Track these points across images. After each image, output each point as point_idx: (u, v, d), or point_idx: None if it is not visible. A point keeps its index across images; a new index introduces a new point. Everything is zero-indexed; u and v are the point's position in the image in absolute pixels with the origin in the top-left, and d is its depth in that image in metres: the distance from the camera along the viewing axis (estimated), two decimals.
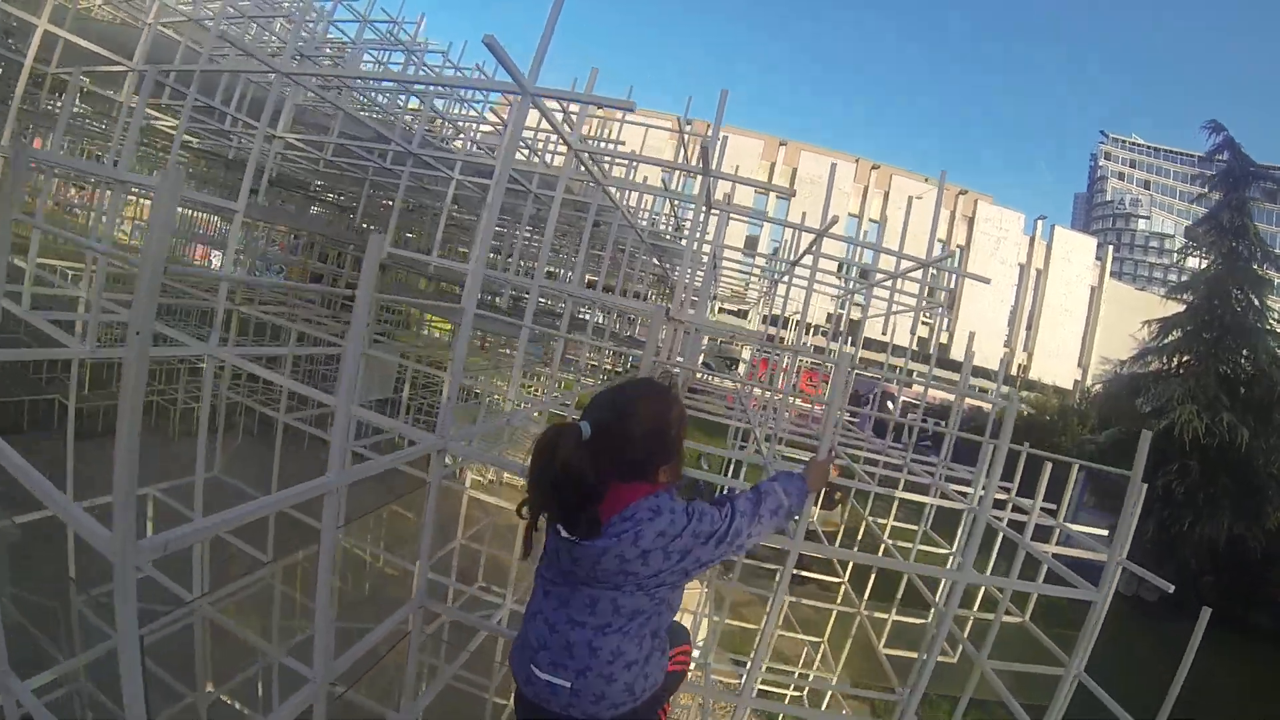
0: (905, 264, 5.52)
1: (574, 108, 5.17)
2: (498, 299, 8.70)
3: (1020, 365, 43.51)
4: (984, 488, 4.48)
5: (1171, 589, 3.15)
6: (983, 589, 5.58)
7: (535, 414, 5.89)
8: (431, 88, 7.07)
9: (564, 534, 2.09)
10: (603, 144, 7.56)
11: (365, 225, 10.84)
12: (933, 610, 5.59)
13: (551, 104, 4.05)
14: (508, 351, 10.70)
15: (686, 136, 5.29)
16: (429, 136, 6.85)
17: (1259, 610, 15.84)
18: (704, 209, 4.55)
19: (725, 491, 2.70)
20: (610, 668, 2.07)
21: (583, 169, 4.75)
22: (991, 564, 5.59)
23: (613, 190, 5.66)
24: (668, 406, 2.23)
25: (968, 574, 3.27)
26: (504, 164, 3.21)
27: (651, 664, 2.14)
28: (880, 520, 6.82)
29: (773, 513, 2.30)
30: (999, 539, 5.17)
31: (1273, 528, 15.74)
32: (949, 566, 5.85)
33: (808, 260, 6.20)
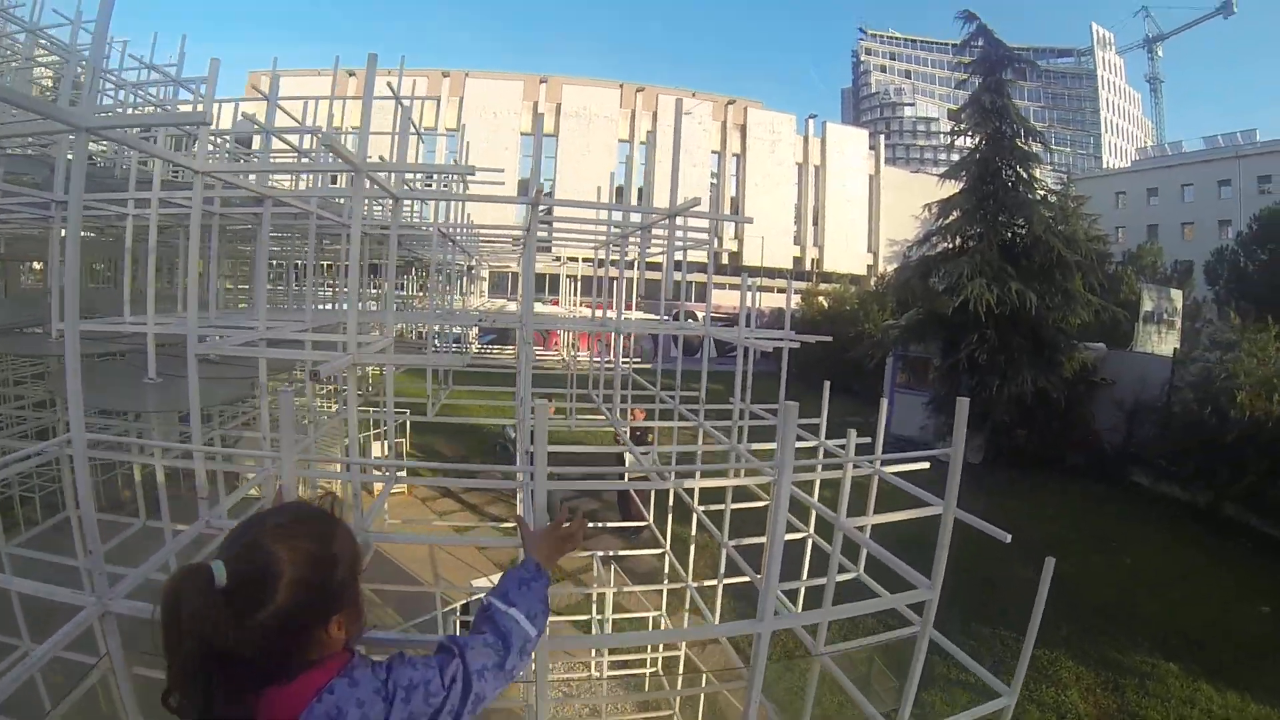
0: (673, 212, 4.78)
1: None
2: None
3: (813, 260, 44.96)
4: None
5: (1008, 538, 2.57)
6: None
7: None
8: None
9: None
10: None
11: None
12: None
13: None
14: None
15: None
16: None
17: (1073, 451, 17.42)
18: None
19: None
20: None
21: None
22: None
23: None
24: (327, 546, 1.48)
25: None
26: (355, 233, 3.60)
27: None
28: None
29: (521, 653, 1.67)
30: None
31: (1069, 376, 17.09)
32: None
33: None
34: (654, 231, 5.40)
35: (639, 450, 9.74)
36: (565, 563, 9.24)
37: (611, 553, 8.27)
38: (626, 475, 7.22)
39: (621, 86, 42.96)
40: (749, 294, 4.83)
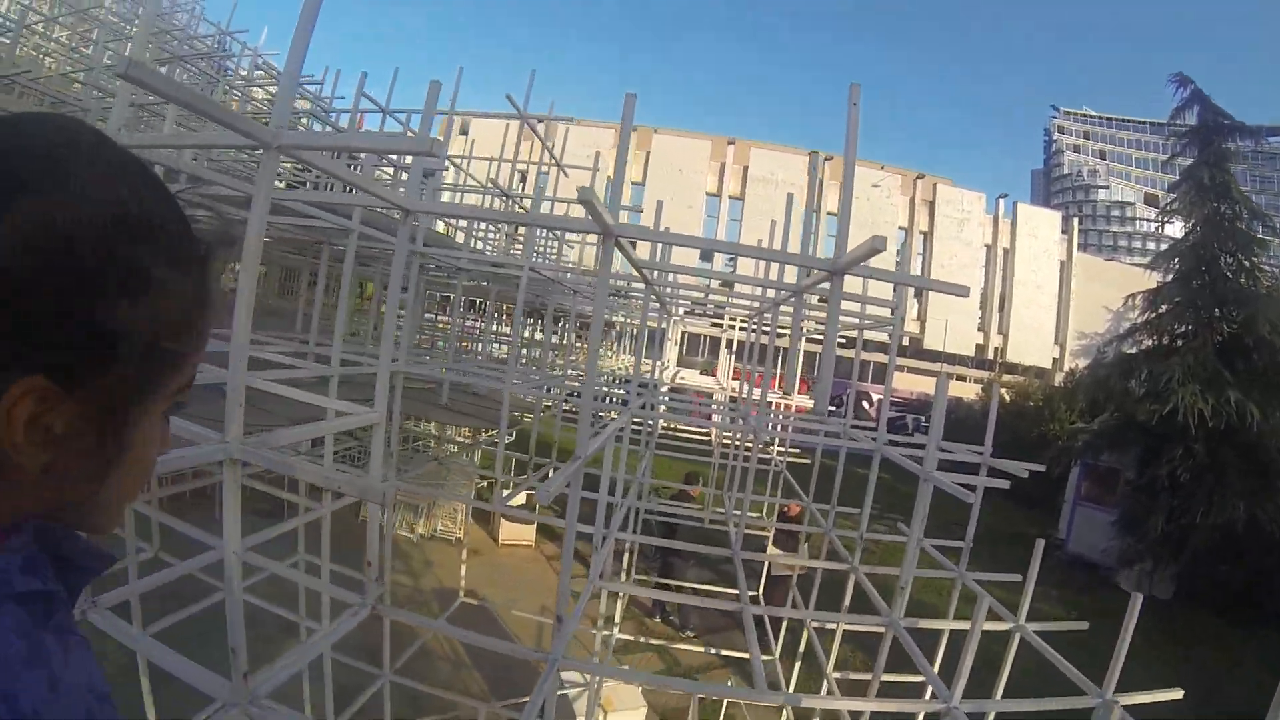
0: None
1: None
2: None
3: (995, 348, 42.61)
4: None
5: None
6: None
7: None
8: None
9: None
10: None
11: None
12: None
13: None
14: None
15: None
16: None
17: None
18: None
19: None
20: None
21: None
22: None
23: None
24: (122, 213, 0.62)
25: None
26: (600, 298, 2.86)
27: None
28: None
29: None
30: None
31: None
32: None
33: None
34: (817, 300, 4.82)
35: (780, 551, 9.12)
36: (684, 657, 8.68)
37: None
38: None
39: (810, 154, 42.53)
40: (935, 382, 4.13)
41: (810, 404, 9.25)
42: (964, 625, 3.90)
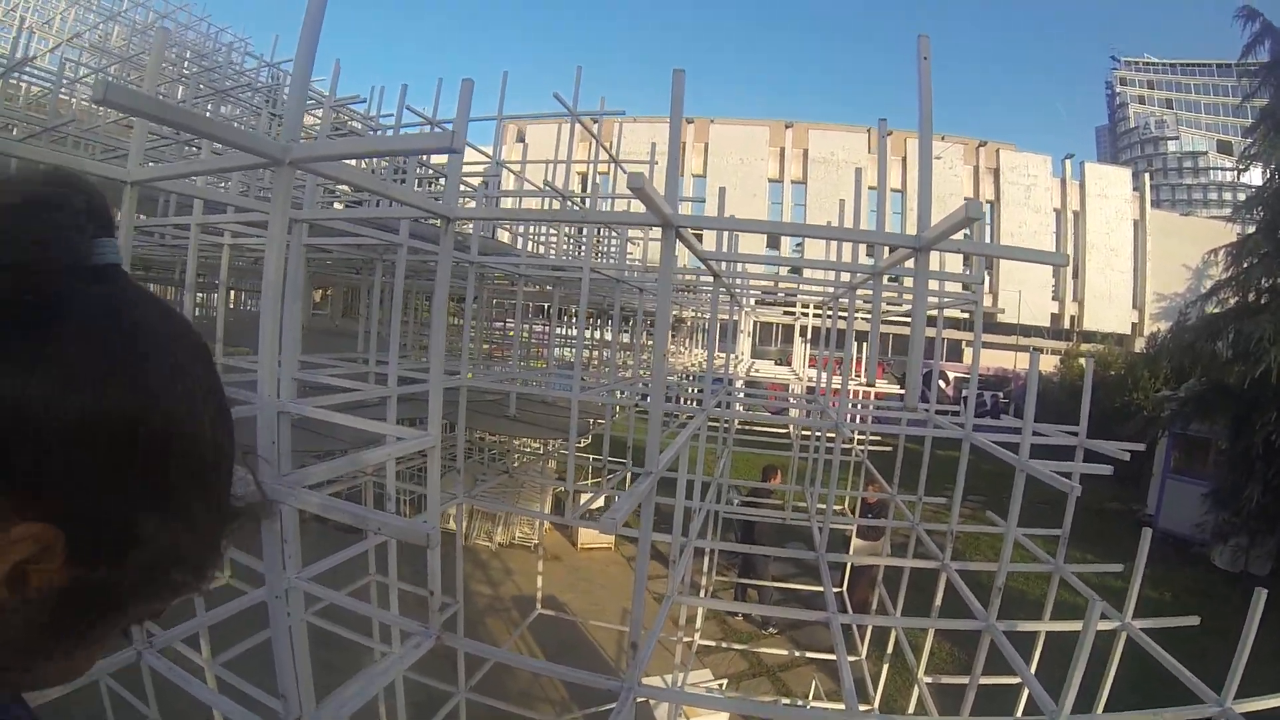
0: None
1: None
2: None
3: (1071, 317, 41.36)
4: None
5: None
6: None
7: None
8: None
9: None
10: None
11: None
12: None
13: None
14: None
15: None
16: None
17: None
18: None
19: None
20: None
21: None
22: None
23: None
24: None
25: None
26: (663, 294, 2.74)
27: None
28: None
29: None
30: None
31: None
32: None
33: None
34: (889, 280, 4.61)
35: (863, 542, 8.88)
36: (766, 658, 8.49)
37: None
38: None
39: (869, 132, 41.76)
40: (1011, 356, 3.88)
41: (893, 389, 8.99)
42: (1063, 626, 3.68)
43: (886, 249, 3.41)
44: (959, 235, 2.45)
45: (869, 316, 5.11)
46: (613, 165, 7.62)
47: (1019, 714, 3.60)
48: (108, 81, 1.42)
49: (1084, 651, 2.73)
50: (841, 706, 3.11)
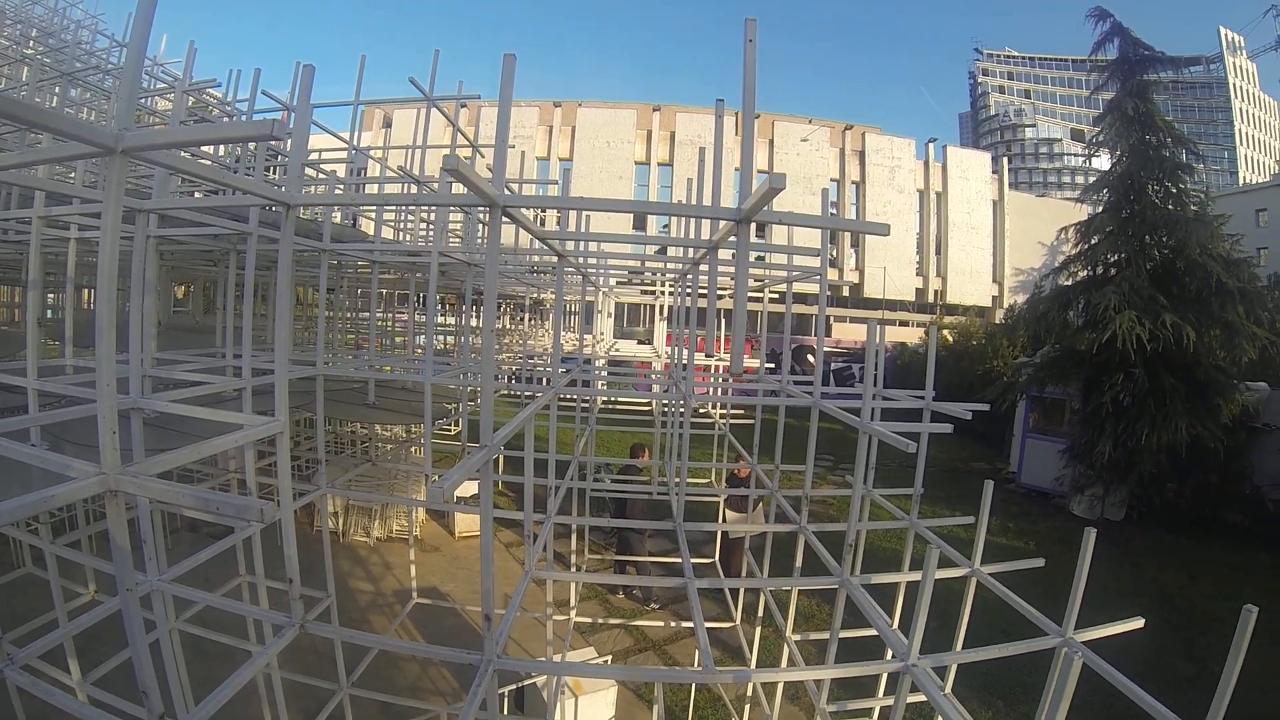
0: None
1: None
2: None
3: (935, 291, 43.17)
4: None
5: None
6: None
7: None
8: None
9: None
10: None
11: None
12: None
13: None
14: None
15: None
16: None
17: (1230, 507, 15.25)
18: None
19: None
20: None
21: None
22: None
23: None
24: None
25: None
26: (491, 272, 2.73)
27: None
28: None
29: None
30: None
31: (1228, 422, 14.72)
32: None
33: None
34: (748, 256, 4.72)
35: (735, 513, 9.11)
36: (651, 633, 8.65)
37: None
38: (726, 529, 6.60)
39: (737, 115, 42.24)
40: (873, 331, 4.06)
41: (753, 363, 9.22)
42: (916, 577, 3.86)
43: (721, 223, 3.50)
44: (807, 210, 2.54)
45: (721, 291, 5.24)
46: (473, 150, 7.57)
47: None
48: None
49: (925, 594, 2.89)
50: None
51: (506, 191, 2.62)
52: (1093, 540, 3.11)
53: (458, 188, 8.16)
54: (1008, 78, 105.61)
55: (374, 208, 7.79)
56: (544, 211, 8.50)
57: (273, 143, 6.33)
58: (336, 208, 8.06)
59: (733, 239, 2.70)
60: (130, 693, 3.43)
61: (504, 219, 2.54)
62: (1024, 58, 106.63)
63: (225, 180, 2.79)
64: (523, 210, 2.65)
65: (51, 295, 9.56)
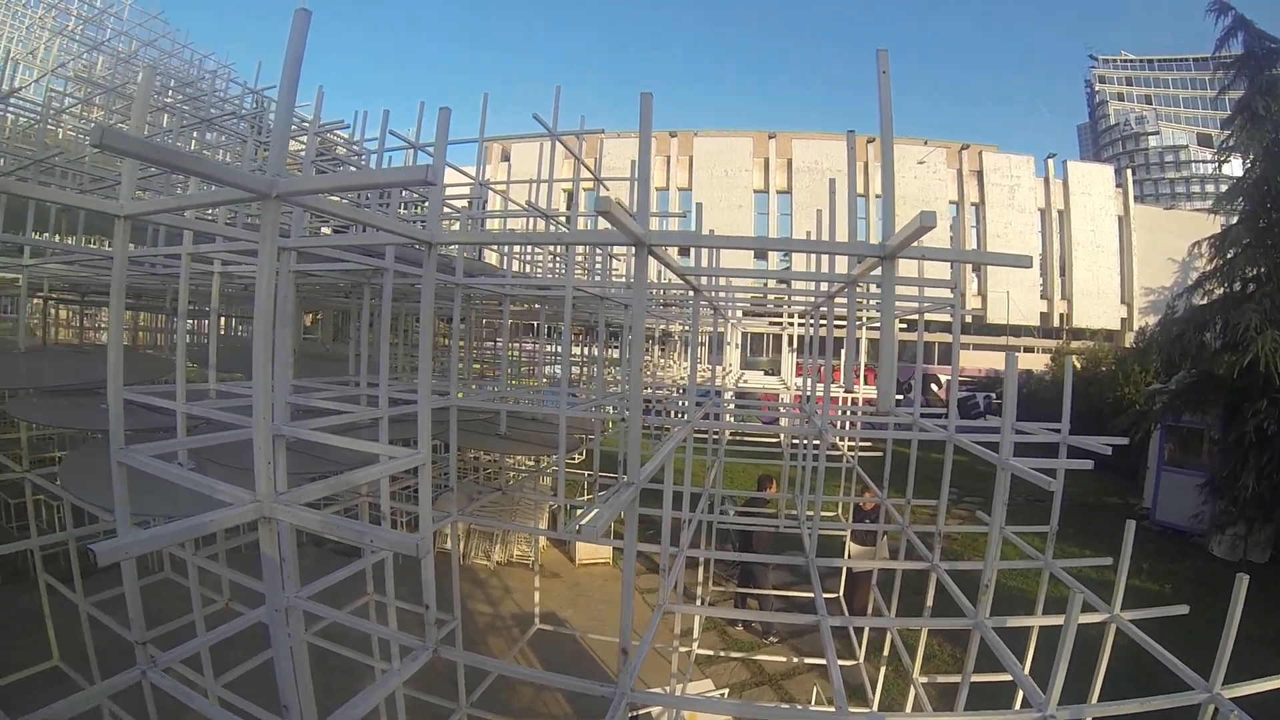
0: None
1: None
2: None
3: (1060, 315, 41.52)
4: None
5: None
6: None
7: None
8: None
9: None
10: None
11: None
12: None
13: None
14: None
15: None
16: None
17: None
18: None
19: None
20: None
21: None
22: None
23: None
24: None
25: None
26: (638, 310, 2.71)
27: None
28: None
29: None
30: None
31: None
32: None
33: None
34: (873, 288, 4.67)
35: (860, 547, 8.91)
36: (768, 667, 8.51)
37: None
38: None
39: (849, 135, 41.70)
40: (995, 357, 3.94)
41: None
42: (1056, 621, 3.72)
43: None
44: (929, 239, 2.50)
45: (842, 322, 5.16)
46: (595, 181, 7.70)
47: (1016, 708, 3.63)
48: (104, 127, 1.50)
49: (1067, 643, 2.77)
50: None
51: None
52: (1245, 588, 2.91)
53: (601, 223, 8.36)
54: (1126, 83, 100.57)
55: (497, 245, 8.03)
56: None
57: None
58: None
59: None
60: (253, 695, 3.60)
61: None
62: (1142, 61, 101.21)
63: (370, 220, 2.90)
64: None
65: (190, 322, 10.17)
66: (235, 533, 7.09)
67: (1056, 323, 41.48)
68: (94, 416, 4.36)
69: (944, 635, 8.19)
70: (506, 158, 35.46)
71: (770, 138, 42.96)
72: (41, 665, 6.72)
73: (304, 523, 2.09)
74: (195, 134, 8.23)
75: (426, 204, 8.43)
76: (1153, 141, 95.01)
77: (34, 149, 7.08)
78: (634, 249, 2.56)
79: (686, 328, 11.92)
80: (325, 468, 4.15)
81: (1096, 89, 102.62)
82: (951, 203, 40.98)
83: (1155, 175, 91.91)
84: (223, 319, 9.27)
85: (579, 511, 8.00)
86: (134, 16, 16.05)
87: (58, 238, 6.48)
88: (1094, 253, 41.86)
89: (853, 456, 7.45)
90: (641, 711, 6.48)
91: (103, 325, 11.00)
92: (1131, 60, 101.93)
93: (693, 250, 5.61)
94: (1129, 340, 34.70)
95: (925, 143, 41.54)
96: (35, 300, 7.09)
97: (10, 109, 8.82)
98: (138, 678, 2.87)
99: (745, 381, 11.94)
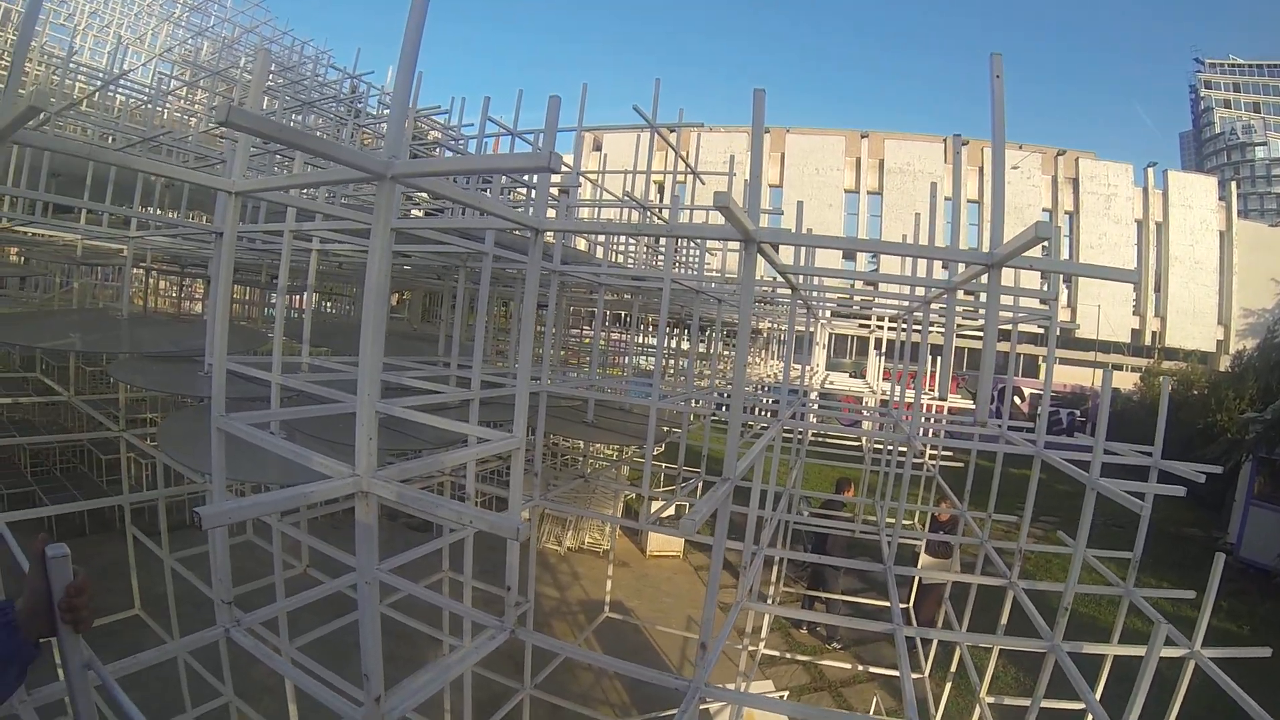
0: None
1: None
2: None
3: (1153, 333, 40.00)
4: None
5: None
6: None
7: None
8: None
9: None
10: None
11: None
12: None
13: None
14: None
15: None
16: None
17: None
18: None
19: None
20: None
21: None
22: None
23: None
24: None
25: None
26: (745, 308, 2.80)
27: None
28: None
29: None
30: None
31: None
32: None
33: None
34: (965, 295, 4.59)
35: (932, 558, 8.78)
36: (829, 673, 8.45)
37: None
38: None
39: (945, 140, 40.98)
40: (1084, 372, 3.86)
41: (966, 404, 8.90)
42: (1131, 651, 3.63)
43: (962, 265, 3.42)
44: (1035, 250, 2.47)
45: (943, 330, 5.08)
46: (690, 175, 7.72)
47: None
48: (230, 105, 1.58)
49: (1147, 675, 2.71)
50: None
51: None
52: None
53: (699, 217, 8.45)
54: (1233, 89, 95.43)
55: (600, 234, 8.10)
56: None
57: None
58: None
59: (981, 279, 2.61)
60: (323, 658, 3.73)
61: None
62: (1250, 65, 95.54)
63: (481, 204, 2.97)
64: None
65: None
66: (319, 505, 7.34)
67: (1148, 341, 40.02)
68: (192, 382, 4.53)
69: (1009, 657, 8.03)
70: (598, 147, 35.66)
71: (863, 137, 42.41)
72: (123, 614, 7.05)
73: (403, 499, 2.15)
74: (296, 117, 8.53)
75: (520, 190, 8.58)
76: (1259, 153, 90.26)
77: (143, 128, 7.42)
78: (742, 245, 2.56)
79: (773, 324, 11.86)
80: (410, 445, 4.27)
81: (1201, 95, 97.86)
82: (1045, 210, 39.76)
83: (1261, 189, 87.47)
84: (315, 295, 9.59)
85: (659, 504, 8.09)
86: (237, 4, 16.69)
87: (159, 212, 6.77)
88: (1192, 269, 40.22)
89: (934, 465, 7.36)
90: (702, 706, 6.51)
91: (198, 296, 11.47)
92: (1240, 65, 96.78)
93: (782, 248, 5.59)
94: (1224, 364, 33.20)
95: (1020, 147, 40.39)
96: (137, 270, 7.45)
97: (121, 90, 9.42)
98: (221, 635, 2.98)
99: (831, 383, 11.84)
